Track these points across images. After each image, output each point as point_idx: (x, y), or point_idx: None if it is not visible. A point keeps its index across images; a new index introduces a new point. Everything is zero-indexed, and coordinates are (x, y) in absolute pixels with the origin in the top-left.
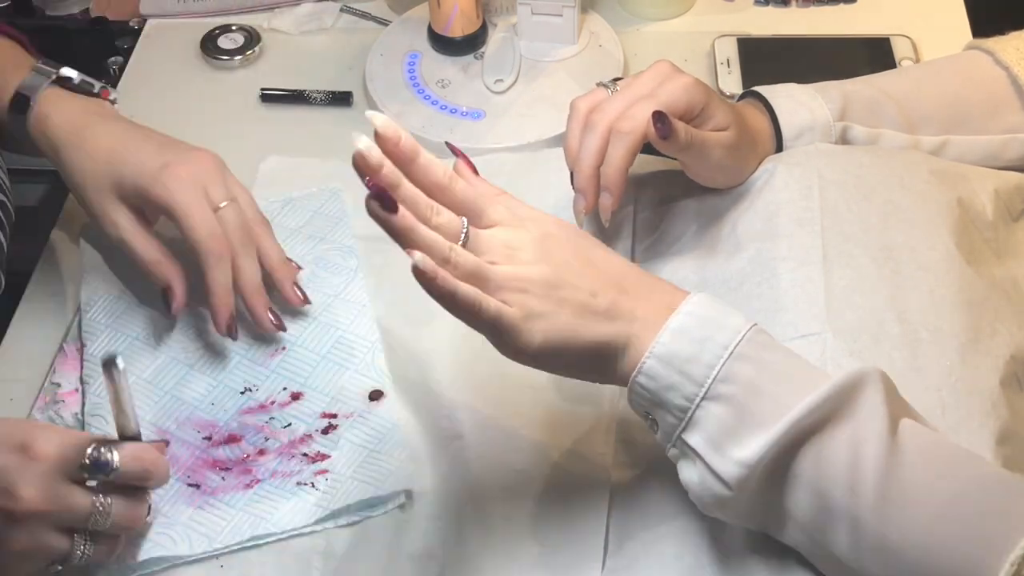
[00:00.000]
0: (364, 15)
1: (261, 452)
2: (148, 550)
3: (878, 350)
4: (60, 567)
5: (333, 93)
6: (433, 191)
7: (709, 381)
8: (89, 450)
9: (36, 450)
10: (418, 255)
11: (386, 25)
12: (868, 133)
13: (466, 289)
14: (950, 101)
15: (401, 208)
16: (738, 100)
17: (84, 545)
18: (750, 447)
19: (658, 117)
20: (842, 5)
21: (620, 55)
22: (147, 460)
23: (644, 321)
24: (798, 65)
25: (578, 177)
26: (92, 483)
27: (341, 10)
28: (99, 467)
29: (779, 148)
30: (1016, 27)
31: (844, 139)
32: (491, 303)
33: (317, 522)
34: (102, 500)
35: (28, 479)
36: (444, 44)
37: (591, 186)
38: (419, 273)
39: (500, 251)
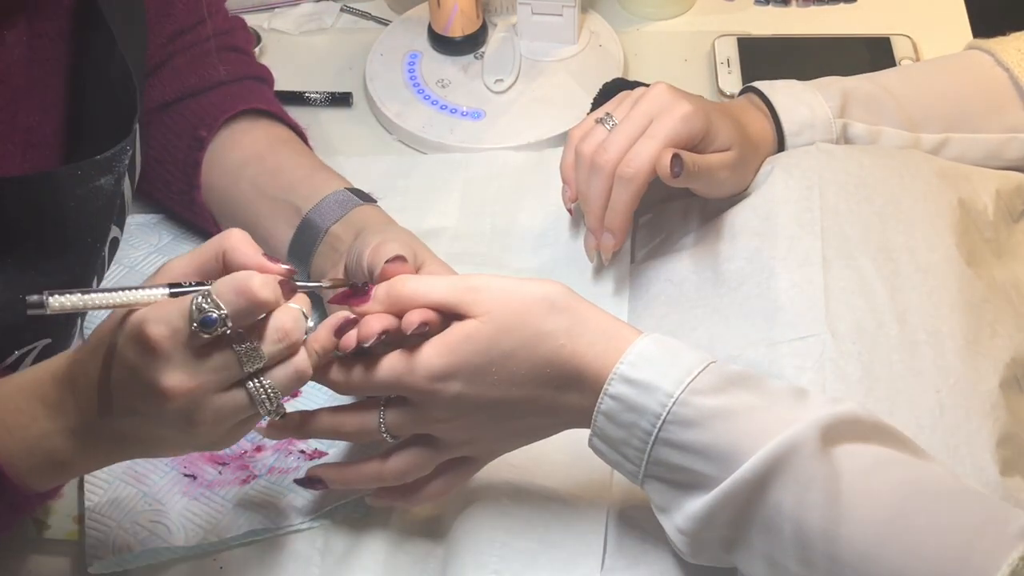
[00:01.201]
0: (364, 15)
1: (258, 448)
2: (144, 540)
3: (877, 352)
4: (276, 413)
5: (333, 94)
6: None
7: (643, 464)
8: (193, 310)
9: (150, 338)
10: (376, 502)
11: (386, 25)
12: (868, 130)
13: (433, 489)
14: (951, 99)
15: (335, 475)
16: (738, 95)
17: (260, 386)
18: (685, 517)
19: (675, 161)
20: (842, 5)
21: (620, 55)
22: (250, 289)
23: (583, 404)
24: (798, 65)
25: (589, 219)
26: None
27: (341, 10)
28: (208, 324)
29: (780, 146)
30: (1016, 28)
31: (845, 136)
32: (464, 474)
33: (314, 519)
34: (238, 343)
35: (161, 370)
36: (444, 44)
37: (601, 227)
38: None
39: (428, 425)
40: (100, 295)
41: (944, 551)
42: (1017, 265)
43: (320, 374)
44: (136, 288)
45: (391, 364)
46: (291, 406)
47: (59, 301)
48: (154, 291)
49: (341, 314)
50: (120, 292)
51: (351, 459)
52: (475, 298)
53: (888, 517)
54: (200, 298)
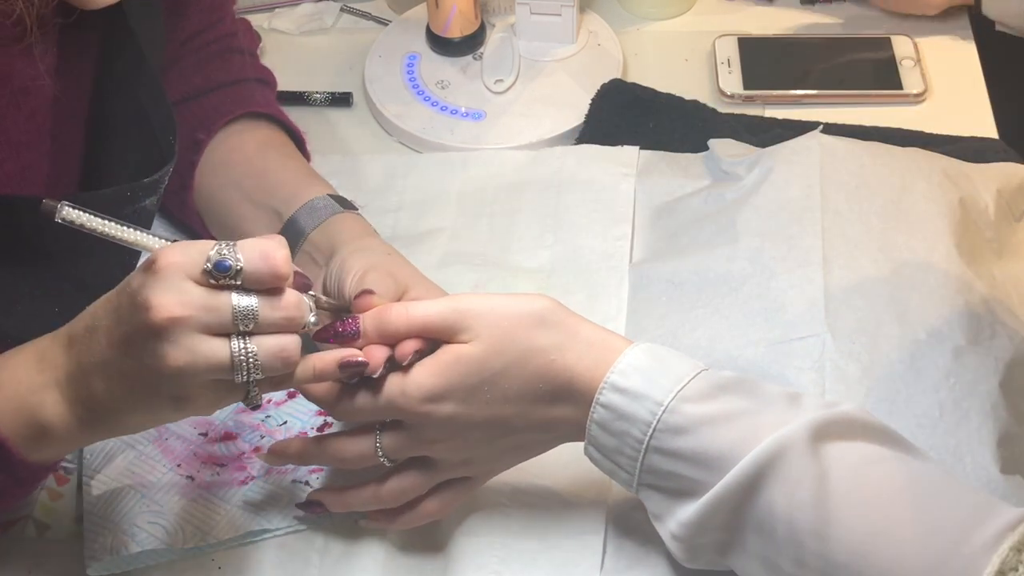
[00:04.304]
0: (364, 15)
1: (257, 449)
2: (142, 541)
3: (877, 351)
4: (254, 391)
5: (333, 94)
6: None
7: (636, 472)
8: (212, 252)
9: (160, 262)
10: (369, 524)
11: (386, 25)
12: None
13: (429, 507)
14: None
15: (334, 499)
16: None
17: (244, 348)
18: (679, 523)
19: None
20: (845, 4)
21: (619, 55)
22: (275, 257)
23: (576, 416)
24: (799, 65)
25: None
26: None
27: (341, 10)
28: (221, 269)
29: None
30: None
31: None
32: (460, 494)
33: (313, 520)
34: (240, 297)
35: (157, 288)
36: (443, 45)
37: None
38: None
39: (423, 447)
40: (112, 224)
41: (934, 547)
42: (1018, 265)
43: (316, 399)
44: (148, 232)
45: (384, 387)
46: (288, 408)
47: (71, 214)
48: (163, 241)
49: (352, 350)
50: (131, 229)
51: (348, 477)
52: (463, 323)
53: (876, 514)
54: (223, 245)
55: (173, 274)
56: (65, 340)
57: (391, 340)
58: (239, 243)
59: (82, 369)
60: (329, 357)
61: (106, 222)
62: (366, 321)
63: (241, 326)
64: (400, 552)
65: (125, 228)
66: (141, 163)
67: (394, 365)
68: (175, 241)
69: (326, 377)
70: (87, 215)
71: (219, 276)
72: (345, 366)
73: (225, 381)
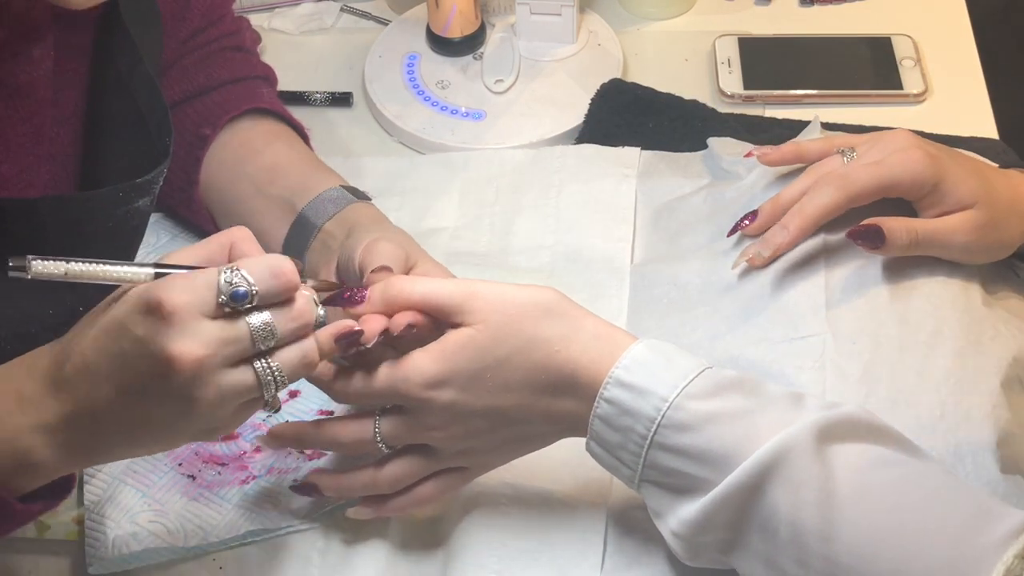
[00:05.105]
0: (364, 15)
1: (258, 449)
2: (143, 540)
3: (878, 352)
4: (272, 403)
5: (333, 94)
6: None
7: (639, 468)
8: (221, 283)
9: (167, 305)
10: (358, 515)
11: (386, 25)
12: None
13: (423, 492)
14: None
15: (330, 483)
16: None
17: (268, 367)
18: (680, 521)
19: (858, 233)
20: (844, 4)
21: (619, 54)
22: (286, 271)
23: (578, 410)
24: (799, 65)
25: (768, 204)
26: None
27: (341, 10)
28: (238, 298)
29: None
30: (1017, 28)
31: None
32: (456, 482)
33: (314, 519)
34: (256, 318)
35: (174, 336)
36: (443, 45)
37: (772, 212)
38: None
39: (422, 434)
40: (84, 266)
41: (938, 551)
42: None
43: (318, 381)
44: (121, 264)
45: (386, 372)
46: (289, 408)
47: (42, 266)
48: (140, 269)
49: (346, 322)
50: (105, 265)
51: (346, 464)
52: (472, 305)
53: (881, 517)
54: (228, 272)
55: (187, 317)
56: (50, 382)
57: (396, 311)
58: (241, 264)
59: (84, 414)
60: (325, 333)
61: (78, 265)
62: (373, 292)
63: (262, 346)
64: (400, 552)
65: (98, 266)
66: (137, 164)
67: (394, 348)
68: (158, 268)
69: (327, 354)
70: (60, 263)
71: (236, 306)
72: (341, 338)
73: (252, 399)
